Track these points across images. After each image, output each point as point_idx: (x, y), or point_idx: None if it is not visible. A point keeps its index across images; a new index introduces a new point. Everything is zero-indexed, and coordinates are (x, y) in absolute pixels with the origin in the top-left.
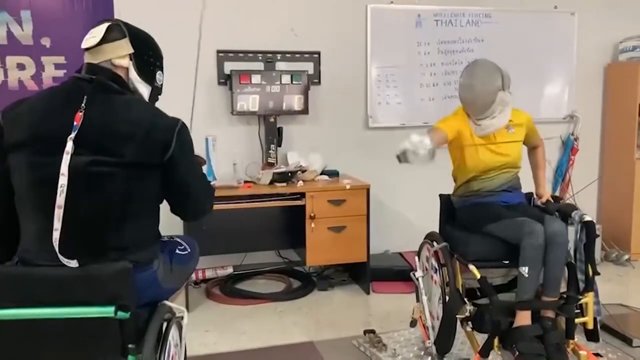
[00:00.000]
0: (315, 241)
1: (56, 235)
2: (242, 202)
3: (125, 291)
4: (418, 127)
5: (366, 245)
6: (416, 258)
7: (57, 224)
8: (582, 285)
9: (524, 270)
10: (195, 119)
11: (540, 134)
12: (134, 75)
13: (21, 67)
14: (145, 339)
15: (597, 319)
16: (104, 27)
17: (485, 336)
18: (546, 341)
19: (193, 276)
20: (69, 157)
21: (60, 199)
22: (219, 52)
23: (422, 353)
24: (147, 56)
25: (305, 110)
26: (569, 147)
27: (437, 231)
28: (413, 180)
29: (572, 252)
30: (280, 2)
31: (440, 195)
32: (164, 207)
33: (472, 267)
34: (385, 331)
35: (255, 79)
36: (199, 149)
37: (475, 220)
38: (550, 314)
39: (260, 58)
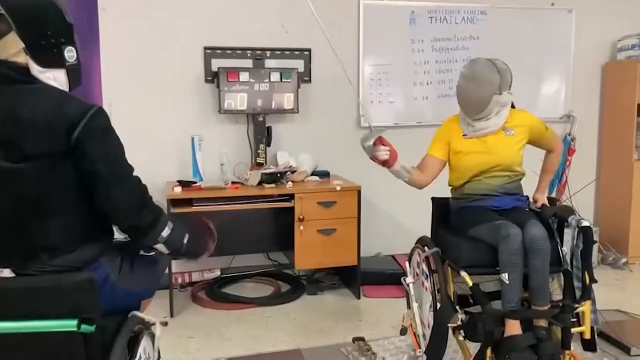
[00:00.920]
0: (304, 244)
1: None
2: (230, 204)
3: (89, 303)
4: (412, 126)
5: (357, 248)
6: (407, 263)
7: None
8: (578, 293)
9: (504, 276)
10: (181, 117)
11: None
12: (35, 69)
13: None
14: (111, 354)
15: (594, 328)
16: None
17: (478, 345)
18: (540, 351)
19: (179, 279)
20: None
21: None
22: (206, 48)
23: None
24: (46, 39)
25: (295, 109)
26: (565, 148)
27: (429, 235)
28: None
29: (568, 259)
30: None
31: (433, 199)
32: None
33: (464, 273)
34: (375, 338)
35: (244, 76)
36: (187, 148)
37: (460, 224)
38: (543, 322)
39: (249, 55)
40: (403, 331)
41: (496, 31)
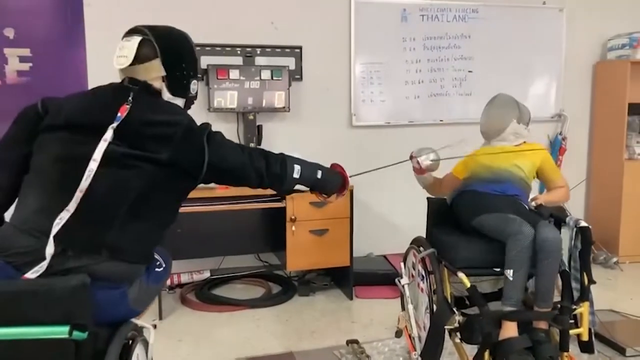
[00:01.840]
0: (296, 245)
1: (64, 215)
2: (220, 204)
3: (82, 308)
4: (403, 125)
5: (349, 249)
6: (402, 264)
7: (73, 206)
8: (576, 294)
9: (509, 273)
10: None
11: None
12: (167, 96)
13: None
14: None
15: (592, 329)
16: (135, 43)
17: (474, 347)
18: (539, 354)
19: (168, 281)
20: (105, 144)
21: (85, 183)
22: (195, 45)
23: None
24: (181, 71)
25: (286, 108)
26: (557, 147)
27: (422, 235)
28: (397, 180)
29: (566, 260)
30: None
31: (429, 199)
32: None
33: (461, 275)
34: (369, 341)
35: (234, 74)
36: None
37: (468, 209)
38: (542, 325)
39: (238, 52)
40: (398, 334)
41: (488, 30)
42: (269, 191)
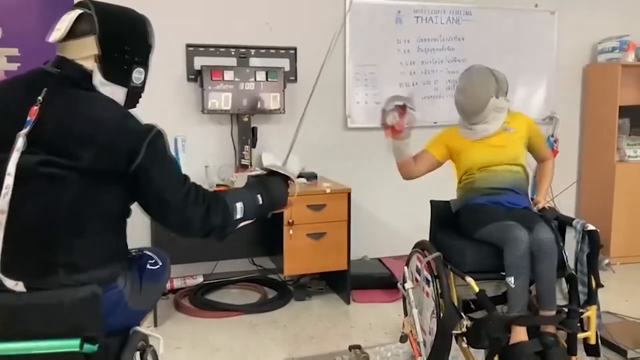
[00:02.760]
0: (294, 249)
1: None
2: None
3: (92, 320)
4: None
5: (347, 252)
6: (405, 268)
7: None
8: (582, 298)
9: (510, 280)
10: (162, 117)
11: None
12: (98, 80)
13: None
14: None
15: (598, 332)
16: (73, 16)
17: (480, 352)
18: (549, 358)
19: None
20: (18, 154)
21: (3, 202)
22: (188, 46)
23: None
24: (120, 53)
25: (281, 110)
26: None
27: (422, 239)
28: (391, 183)
29: (572, 263)
30: None
31: (432, 202)
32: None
33: (469, 279)
34: (371, 346)
35: (228, 75)
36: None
37: (471, 222)
38: (550, 328)
39: (232, 53)
40: (403, 339)
41: (481, 32)
42: None
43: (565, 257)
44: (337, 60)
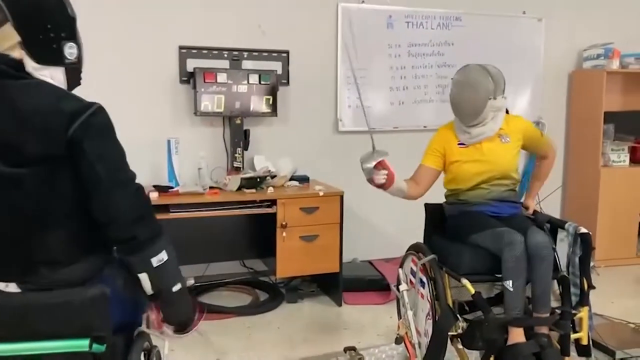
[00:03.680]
0: (287, 251)
1: None
2: (209, 210)
3: (101, 320)
4: (388, 132)
5: (339, 255)
6: (399, 270)
7: None
8: (575, 299)
9: (509, 284)
10: (154, 119)
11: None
12: (30, 66)
13: None
14: None
15: (589, 333)
16: None
17: (476, 353)
18: (544, 358)
19: None
20: None
21: None
22: (181, 47)
23: None
24: (44, 33)
25: (273, 112)
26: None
27: (415, 241)
28: None
29: (564, 265)
30: None
31: (426, 205)
32: None
33: (465, 281)
34: (364, 347)
35: (221, 77)
36: (160, 152)
37: (461, 229)
38: (545, 330)
39: (225, 55)
40: (398, 340)
41: (470, 37)
42: (260, 195)
43: (557, 259)
44: (329, 64)
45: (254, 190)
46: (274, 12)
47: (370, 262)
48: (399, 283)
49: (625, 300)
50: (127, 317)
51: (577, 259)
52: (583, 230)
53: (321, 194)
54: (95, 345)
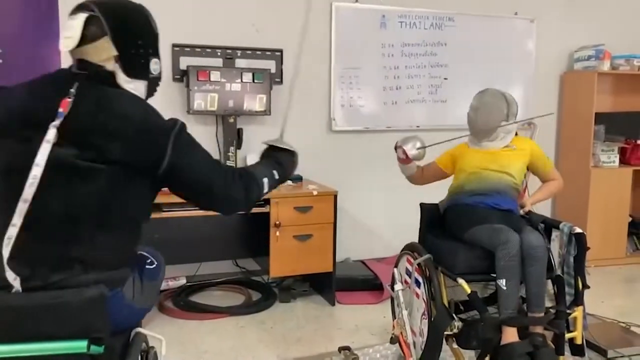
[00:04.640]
0: (280, 251)
1: (12, 232)
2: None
3: (99, 321)
4: (381, 131)
5: (332, 254)
6: (394, 270)
7: (18, 220)
8: (569, 299)
9: (502, 282)
10: None
11: None
12: (122, 79)
13: None
14: None
15: (583, 332)
16: (80, 21)
17: (471, 352)
18: (539, 358)
19: None
20: (49, 146)
21: (28, 192)
22: (174, 45)
23: None
24: (136, 49)
25: (267, 111)
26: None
27: (411, 241)
28: (374, 185)
29: (558, 265)
30: None
31: (422, 204)
32: None
33: (461, 281)
34: (359, 347)
35: (215, 76)
36: None
37: (460, 222)
38: (539, 329)
39: (218, 54)
40: (393, 340)
41: (463, 38)
42: None
43: (552, 259)
44: (323, 63)
45: None
46: (267, 10)
47: (362, 262)
48: (393, 282)
49: (615, 299)
50: (132, 321)
51: (571, 259)
52: (578, 230)
53: (315, 193)
54: (93, 347)
